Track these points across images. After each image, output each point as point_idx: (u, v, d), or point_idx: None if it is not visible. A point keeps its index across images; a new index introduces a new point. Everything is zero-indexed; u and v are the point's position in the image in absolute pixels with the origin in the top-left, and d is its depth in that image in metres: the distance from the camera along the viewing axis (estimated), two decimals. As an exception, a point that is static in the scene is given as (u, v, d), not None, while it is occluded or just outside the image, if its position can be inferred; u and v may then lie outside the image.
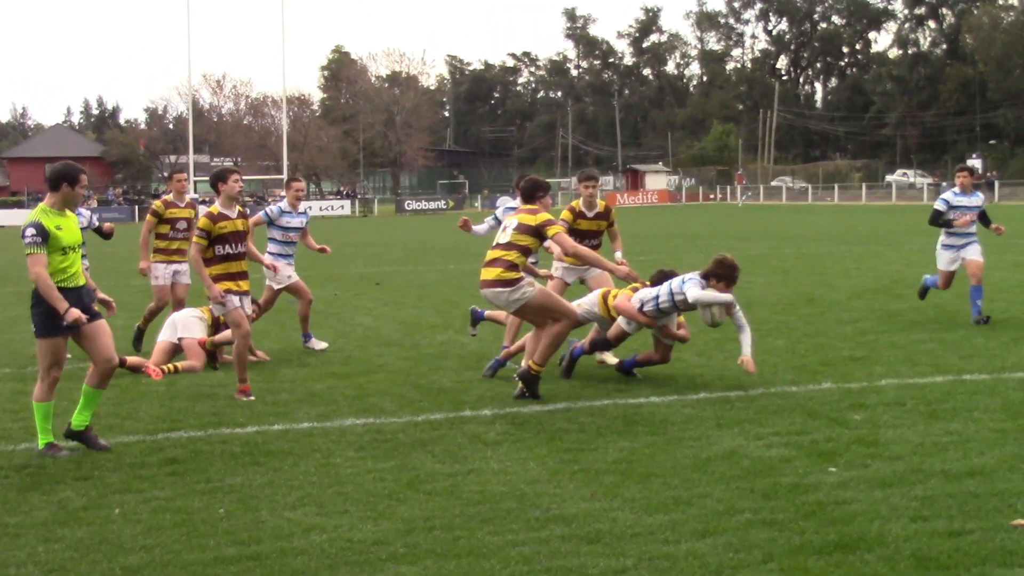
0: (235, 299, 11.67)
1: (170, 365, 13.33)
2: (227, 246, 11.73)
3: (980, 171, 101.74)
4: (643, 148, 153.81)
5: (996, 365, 12.24)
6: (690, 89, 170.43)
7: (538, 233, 11.36)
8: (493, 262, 11.39)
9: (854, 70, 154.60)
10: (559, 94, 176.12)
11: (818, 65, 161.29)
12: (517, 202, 13.53)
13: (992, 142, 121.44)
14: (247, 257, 12.11)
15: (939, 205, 16.32)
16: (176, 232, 15.26)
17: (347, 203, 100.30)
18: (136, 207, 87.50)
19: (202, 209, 13.47)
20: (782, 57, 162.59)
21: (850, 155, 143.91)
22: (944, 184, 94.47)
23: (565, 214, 13.11)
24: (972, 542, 6.39)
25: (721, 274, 11.54)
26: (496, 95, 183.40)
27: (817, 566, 6.12)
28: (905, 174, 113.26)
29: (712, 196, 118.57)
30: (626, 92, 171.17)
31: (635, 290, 12.18)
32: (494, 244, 11.59)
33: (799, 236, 42.71)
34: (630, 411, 10.42)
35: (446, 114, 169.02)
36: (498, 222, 13.67)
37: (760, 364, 12.57)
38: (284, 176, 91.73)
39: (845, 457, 8.46)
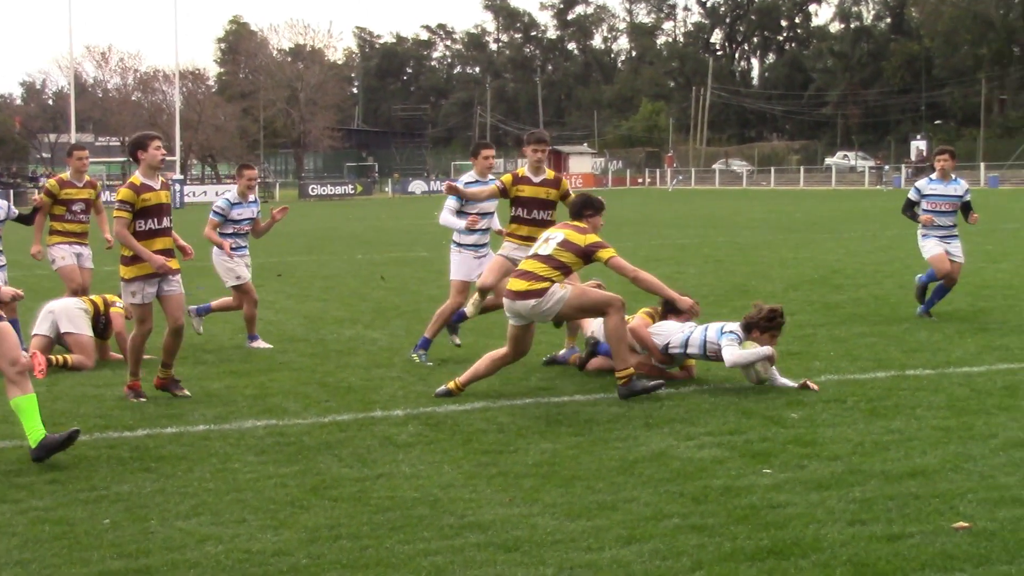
0: (151, 290, 11.32)
1: (59, 357, 13.15)
2: (152, 220, 11.30)
3: (924, 153, 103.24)
4: (567, 128, 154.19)
5: (940, 360, 12.47)
6: (618, 65, 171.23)
7: (586, 255, 11.08)
8: (525, 274, 11.12)
9: (793, 45, 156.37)
10: (477, 70, 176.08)
11: (755, 40, 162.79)
12: (473, 175, 13.68)
13: (938, 122, 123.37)
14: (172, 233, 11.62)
15: (911, 194, 16.17)
16: (73, 214, 15.01)
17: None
18: (11, 191, 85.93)
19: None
20: (716, 31, 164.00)
21: (788, 136, 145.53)
22: (887, 167, 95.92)
23: (505, 177, 12.89)
24: (912, 546, 6.51)
25: (766, 326, 11.38)
26: (409, 71, 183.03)
27: (749, 573, 6.21)
28: (846, 156, 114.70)
29: (640, 180, 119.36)
30: (549, 68, 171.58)
31: (650, 315, 12.20)
32: (531, 254, 11.36)
33: (733, 223, 43.14)
34: (553, 410, 10.49)
35: (354, 91, 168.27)
36: (459, 201, 13.49)
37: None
38: (177, 157, 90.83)
39: (780, 458, 8.58)
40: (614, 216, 49.10)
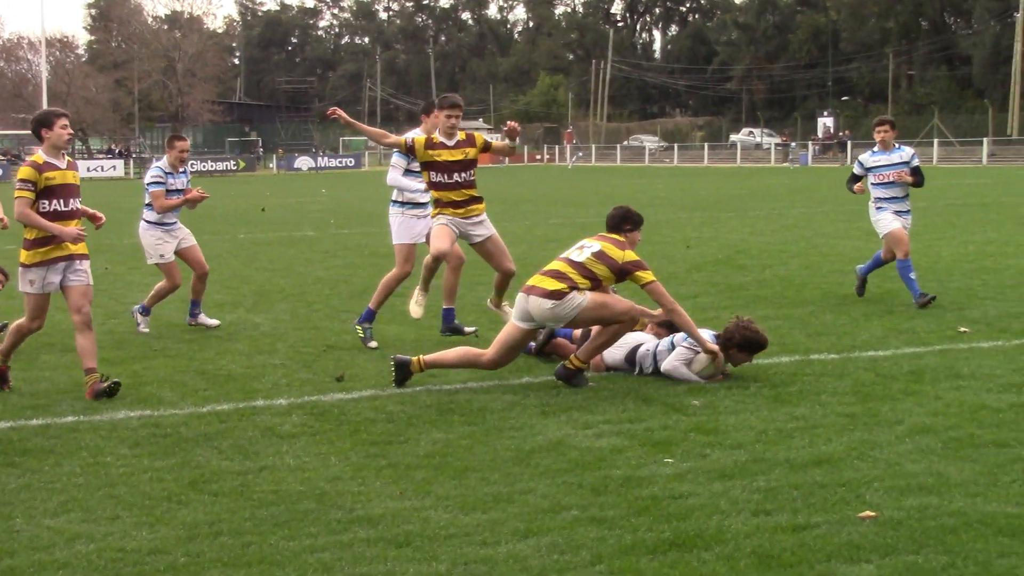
0: (54, 279, 11.00)
1: None
2: (56, 201, 10.98)
3: (831, 130, 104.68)
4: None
5: (846, 344, 12.65)
6: (514, 36, 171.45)
7: (621, 273, 10.94)
8: (552, 273, 11.00)
9: (696, 17, 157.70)
10: (366, 40, 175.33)
11: (657, 11, 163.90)
12: (420, 132, 13.44)
13: (845, 98, 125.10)
14: (80, 215, 11.27)
15: (855, 168, 16.19)
16: None
17: (119, 163, 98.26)
18: None
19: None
20: (617, 2, 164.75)
21: (692, 112, 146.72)
22: (793, 144, 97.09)
23: (418, 139, 12.66)
24: (817, 537, 6.61)
25: (744, 346, 11.16)
26: (294, 41, 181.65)
27: (650, 567, 6.26)
28: (751, 133, 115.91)
29: (539, 156, 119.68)
30: (442, 39, 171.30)
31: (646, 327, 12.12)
32: (563, 256, 11.21)
33: (634, 201, 43.28)
34: (444, 399, 10.48)
35: (236, 62, 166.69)
36: (406, 159, 13.44)
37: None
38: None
39: (682, 447, 8.65)
40: (511, 195, 49.30)
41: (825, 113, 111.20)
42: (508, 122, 12.90)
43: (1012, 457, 8.11)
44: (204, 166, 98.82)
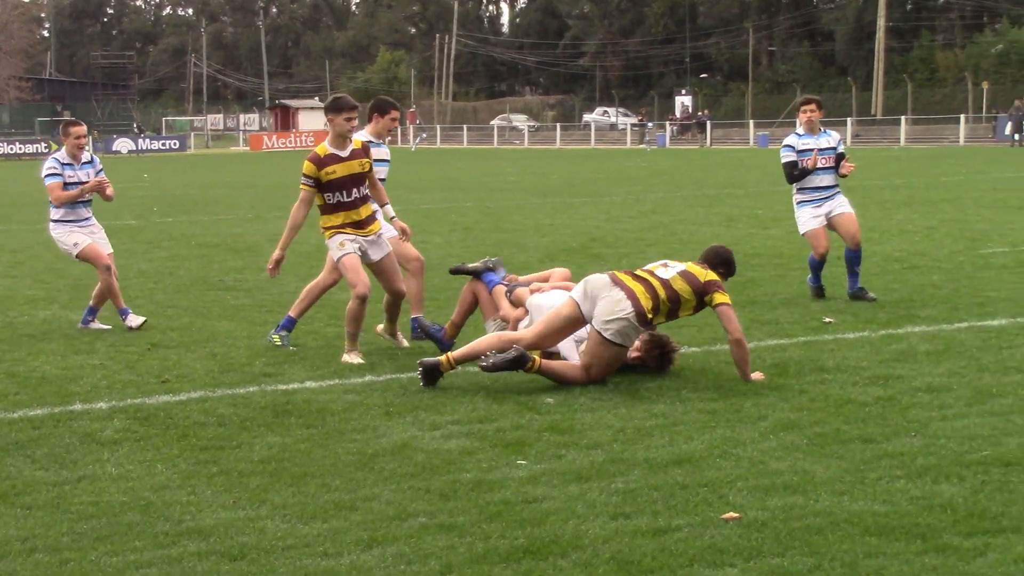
0: None
1: None
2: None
3: (689, 109, 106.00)
4: (295, 80, 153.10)
5: (706, 336, 12.82)
6: (352, 8, 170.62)
7: (701, 293, 10.82)
8: (641, 281, 10.83)
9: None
10: (190, 12, 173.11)
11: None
12: (367, 135, 13.19)
13: (704, 76, 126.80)
14: None
15: (786, 154, 15.47)
16: None
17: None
18: None
19: None
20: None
21: (542, 90, 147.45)
22: (650, 125, 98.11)
23: (307, 166, 12.07)
24: (679, 540, 6.70)
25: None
26: (110, 11, 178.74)
27: (504, 575, 6.32)
28: (606, 112, 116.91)
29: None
30: (273, 11, 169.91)
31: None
32: (646, 268, 11.07)
33: (483, 186, 43.53)
34: (280, 399, 10.43)
35: (45, 34, 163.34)
36: None
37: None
38: None
39: (536, 447, 8.71)
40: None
41: (683, 91, 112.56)
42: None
43: (879, 453, 8.31)
44: (12, 148, 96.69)
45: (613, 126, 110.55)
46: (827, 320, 13.66)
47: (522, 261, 19.83)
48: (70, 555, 6.74)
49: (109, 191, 14.42)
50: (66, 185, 14.34)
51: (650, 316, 10.75)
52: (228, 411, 10.05)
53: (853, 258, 15.06)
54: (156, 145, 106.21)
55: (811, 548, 6.53)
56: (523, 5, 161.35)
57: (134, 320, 14.36)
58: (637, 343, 11.06)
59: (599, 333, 10.64)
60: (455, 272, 13.37)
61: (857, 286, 15.05)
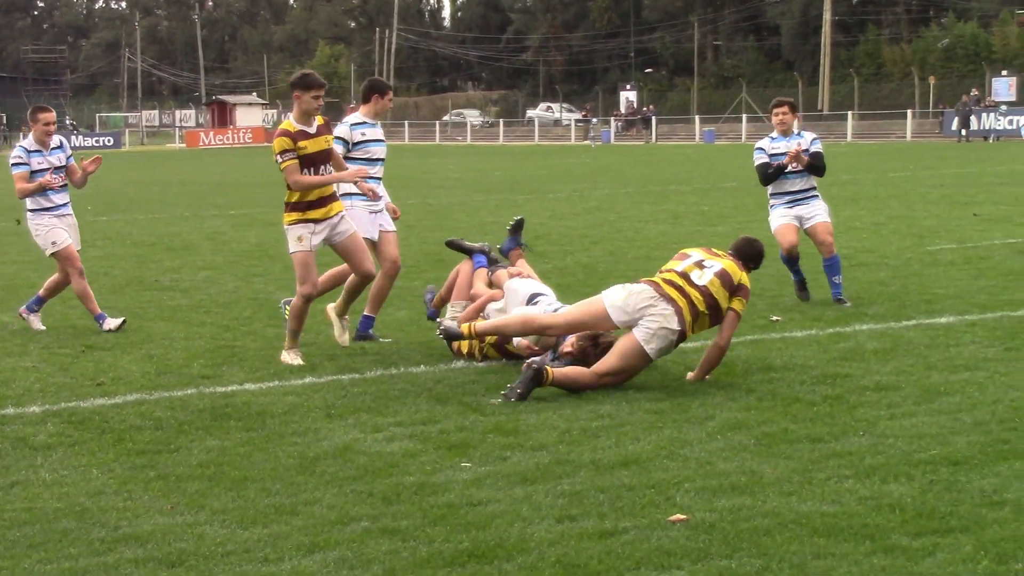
0: None
1: None
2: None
3: (635, 105, 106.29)
4: (232, 75, 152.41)
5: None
6: (290, 2, 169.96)
7: (733, 291, 10.74)
8: (681, 292, 10.64)
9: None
10: (123, 5, 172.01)
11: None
12: (360, 116, 13.22)
13: (649, 71, 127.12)
14: None
15: (757, 156, 15.08)
16: None
17: None
18: None
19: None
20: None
21: (485, 85, 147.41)
22: (595, 120, 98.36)
23: (282, 142, 11.77)
24: (626, 543, 6.73)
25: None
26: (40, 5, 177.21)
27: (448, 580, 6.32)
28: (549, 108, 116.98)
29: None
30: (209, 4, 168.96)
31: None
32: (679, 271, 10.85)
33: (425, 183, 43.47)
34: (219, 402, 10.39)
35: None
36: (344, 146, 12.98)
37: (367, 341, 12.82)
38: None
39: (480, 449, 8.72)
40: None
41: (628, 86, 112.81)
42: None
43: (827, 453, 8.37)
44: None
45: (557, 122, 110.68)
46: (774, 318, 13.74)
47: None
48: (2, 563, 6.69)
49: (77, 176, 14.44)
50: (35, 173, 14.16)
51: (691, 333, 10.75)
52: (165, 414, 10.00)
53: (829, 267, 14.79)
54: (90, 142, 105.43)
55: (759, 549, 6.57)
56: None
57: (112, 323, 14.14)
58: (572, 338, 11.07)
59: (642, 346, 10.50)
60: (450, 244, 13.70)
61: (838, 294, 14.69)
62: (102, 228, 27.20)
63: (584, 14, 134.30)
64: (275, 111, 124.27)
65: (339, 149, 12.79)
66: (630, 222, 26.08)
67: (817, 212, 14.90)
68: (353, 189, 12.76)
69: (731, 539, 6.74)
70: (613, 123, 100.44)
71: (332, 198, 12.08)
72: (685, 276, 10.78)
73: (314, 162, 11.90)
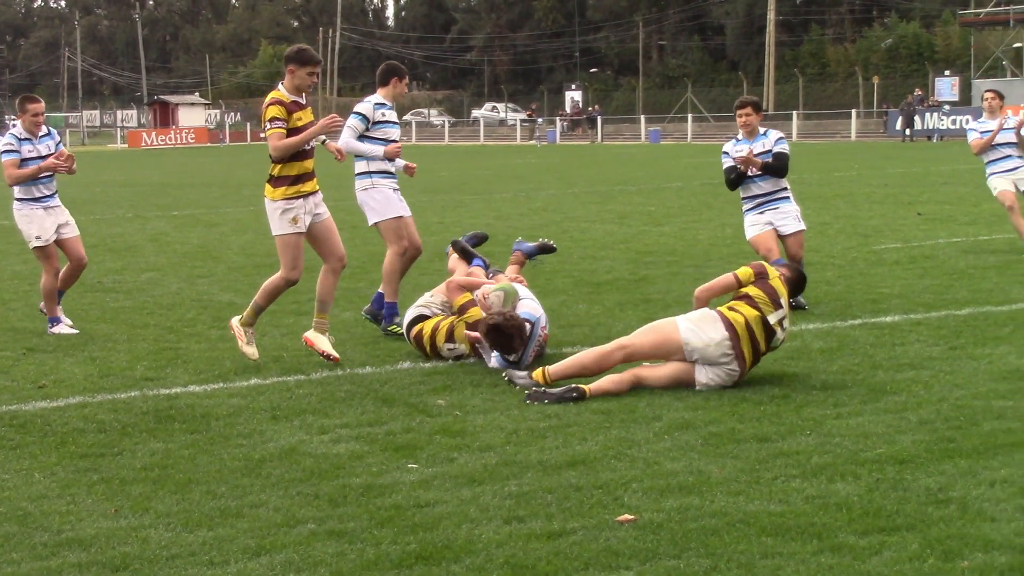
0: None
1: None
2: None
3: (579, 105, 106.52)
4: (174, 75, 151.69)
5: (600, 335, 12.88)
6: (232, 1, 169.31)
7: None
8: (753, 340, 10.45)
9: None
10: (62, 4, 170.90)
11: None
12: (380, 98, 13.51)
13: (594, 70, 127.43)
14: None
15: (724, 160, 14.84)
16: None
17: None
18: None
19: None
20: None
21: (430, 85, 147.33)
22: (540, 120, 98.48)
23: (277, 109, 11.43)
24: (574, 543, 6.74)
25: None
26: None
27: (395, 582, 6.32)
28: (495, 108, 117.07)
29: (262, 135, 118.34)
30: (150, 3, 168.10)
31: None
32: (771, 321, 10.57)
33: (370, 184, 43.33)
34: (163, 404, 10.34)
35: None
36: (363, 122, 13.38)
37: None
38: None
39: (427, 451, 8.72)
40: (232, 178, 48.69)
41: (573, 86, 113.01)
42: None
43: (774, 452, 8.41)
44: None
45: (502, 122, 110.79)
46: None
47: (411, 260, 19.79)
48: (-56, 568, 6.64)
49: (74, 166, 14.20)
50: (24, 161, 14.03)
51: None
52: (108, 417, 9.94)
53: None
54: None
55: (707, 549, 6.60)
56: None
57: (63, 328, 14.01)
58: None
59: (693, 377, 10.38)
60: (455, 246, 13.75)
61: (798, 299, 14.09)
62: (43, 229, 26.97)
63: (529, 14, 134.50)
64: (218, 111, 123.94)
65: (359, 126, 13.25)
66: (576, 222, 26.12)
67: (788, 220, 14.59)
68: (373, 168, 13.27)
69: (679, 539, 6.76)
70: (558, 123, 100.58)
71: (314, 175, 11.83)
72: (768, 331, 10.52)
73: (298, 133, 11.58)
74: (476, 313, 11.77)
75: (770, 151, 14.56)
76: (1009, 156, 18.69)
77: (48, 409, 10.26)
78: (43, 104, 14.57)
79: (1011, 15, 77.54)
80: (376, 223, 13.57)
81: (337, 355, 11.71)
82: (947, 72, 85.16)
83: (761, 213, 14.67)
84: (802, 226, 14.72)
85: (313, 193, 11.71)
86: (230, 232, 25.88)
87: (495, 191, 37.11)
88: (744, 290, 10.67)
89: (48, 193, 14.29)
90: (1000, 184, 18.69)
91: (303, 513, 7.40)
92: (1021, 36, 79.17)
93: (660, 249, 20.59)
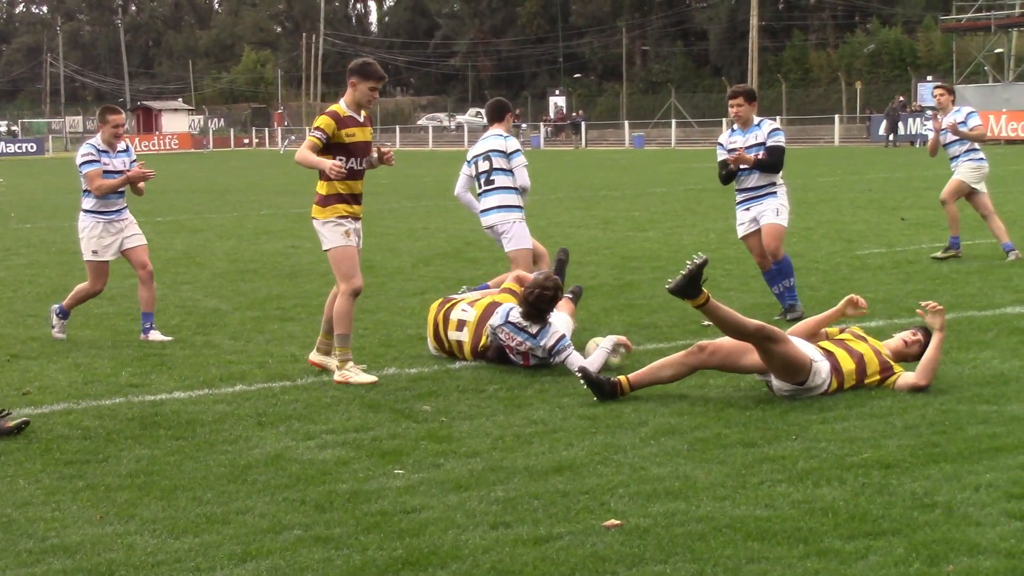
0: None
1: None
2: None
3: (563, 110, 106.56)
4: (157, 81, 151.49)
5: (584, 340, 12.86)
6: (215, 7, 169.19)
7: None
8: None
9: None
10: (44, 10, 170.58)
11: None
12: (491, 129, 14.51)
13: (577, 76, 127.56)
14: None
15: (719, 153, 14.51)
16: None
17: None
18: None
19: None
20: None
21: (414, 91, 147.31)
22: (524, 126, 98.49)
23: (326, 121, 11.23)
24: (560, 549, 6.74)
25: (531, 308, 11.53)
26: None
27: (382, 588, 6.31)
28: (478, 113, 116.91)
29: (247, 140, 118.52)
30: (133, 9, 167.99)
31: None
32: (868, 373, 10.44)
33: (354, 190, 43.32)
34: (148, 411, 10.32)
35: None
36: (469, 165, 14.39)
37: (310, 347, 12.79)
38: None
39: (413, 456, 8.71)
40: (217, 183, 48.68)
41: (557, 92, 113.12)
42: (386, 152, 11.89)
43: (760, 457, 8.42)
44: None
45: (486, 127, 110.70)
46: (705, 324, 13.77)
47: (395, 266, 19.82)
48: (-71, 576, 6.63)
49: (142, 184, 14.00)
50: (104, 173, 13.80)
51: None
52: (93, 423, 9.92)
53: (768, 278, 14.36)
54: (12, 148, 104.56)
55: (693, 554, 6.60)
56: (391, 4, 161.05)
57: (59, 329, 13.92)
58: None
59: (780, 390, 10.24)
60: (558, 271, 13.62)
61: (786, 302, 14.16)
62: (26, 236, 26.94)
63: (512, 19, 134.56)
64: (201, 117, 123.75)
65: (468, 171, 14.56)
66: (560, 228, 26.15)
67: (767, 212, 14.13)
68: (520, 201, 14.15)
69: (665, 544, 6.76)
70: (542, 128, 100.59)
71: (361, 198, 11.60)
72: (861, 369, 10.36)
73: (359, 152, 11.40)
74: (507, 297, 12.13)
75: (763, 143, 14.09)
76: (955, 157, 18.93)
77: (33, 416, 10.21)
78: (123, 116, 14.29)
79: (992, 20, 77.63)
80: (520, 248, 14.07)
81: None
82: (929, 77, 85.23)
83: (747, 209, 14.34)
84: (778, 219, 14.11)
85: (358, 217, 11.50)
86: (214, 238, 25.87)
87: (479, 196, 37.08)
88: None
89: (119, 207, 14.00)
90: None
91: (289, 519, 7.39)
92: (1002, 41, 79.34)
93: (644, 254, 20.61)
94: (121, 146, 14.04)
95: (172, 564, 6.70)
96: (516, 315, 11.61)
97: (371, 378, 11.20)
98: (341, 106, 11.43)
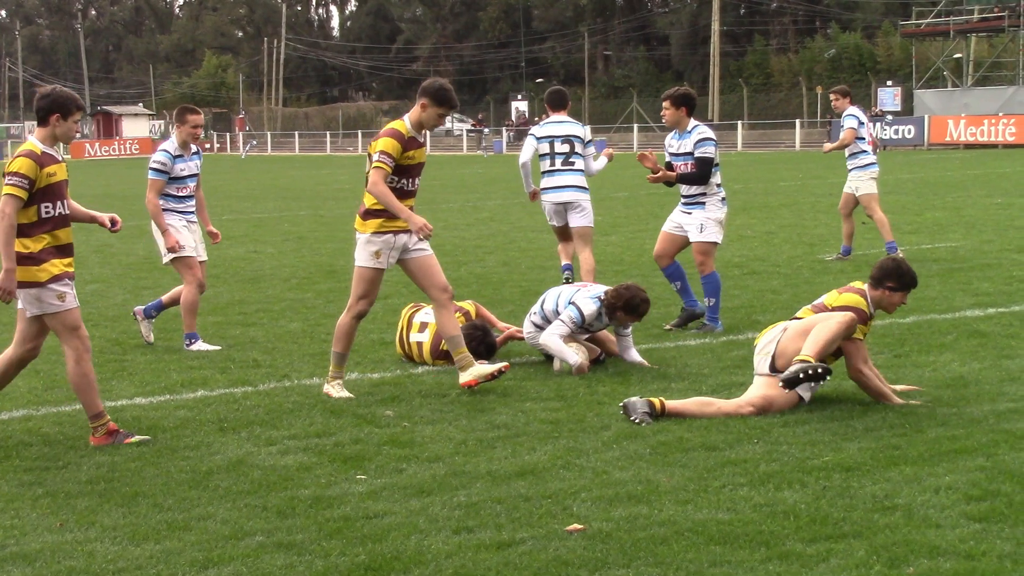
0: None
1: None
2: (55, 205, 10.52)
3: (525, 115, 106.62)
4: (118, 85, 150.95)
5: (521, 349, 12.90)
6: (176, 11, 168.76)
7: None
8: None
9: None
10: (3, 14, 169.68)
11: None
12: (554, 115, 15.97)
13: (540, 80, 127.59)
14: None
15: (665, 155, 14.07)
16: None
17: None
18: None
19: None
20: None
21: (375, 95, 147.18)
22: (487, 130, 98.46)
23: (392, 144, 10.73)
24: (523, 553, 6.75)
25: (626, 314, 11.66)
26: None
27: (344, 594, 6.30)
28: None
29: (208, 145, 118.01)
30: (93, 13, 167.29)
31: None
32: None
33: (316, 194, 43.33)
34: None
35: None
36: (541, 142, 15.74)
37: (272, 352, 12.78)
38: None
39: (376, 462, 8.70)
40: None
41: (519, 96, 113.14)
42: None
43: (721, 461, 8.44)
44: None
45: (449, 132, 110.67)
46: (668, 327, 13.83)
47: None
48: None
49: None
50: (176, 180, 13.38)
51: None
52: (53, 430, 9.88)
53: (667, 275, 14.32)
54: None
55: (656, 558, 6.62)
56: (353, 8, 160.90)
57: (202, 346, 13.44)
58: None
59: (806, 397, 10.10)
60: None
61: (707, 316, 13.88)
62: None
63: (474, 24, 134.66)
64: (162, 122, 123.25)
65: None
66: (523, 232, 26.14)
67: (692, 230, 13.74)
68: (588, 184, 16.12)
69: (628, 548, 6.78)
70: (505, 133, 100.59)
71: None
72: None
73: (414, 173, 11.04)
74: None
75: (690, 153, 13.56)
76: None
77: (-8, 422, 10.19)
78: (203, 116, 13.94)
79: (951, 26, 78.02)
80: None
81: (501, 366, 10.98)
82: (889, 82, 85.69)
83: (675, 212, 14.07)
84: (702, 236, 13.66)
85: (406, 232, 11.05)
86: (175, 243, 25.73)
87: (442, 201, 37.07)
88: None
89: (192, 208, 13.65)
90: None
91: (251, 525, 7.37)
92: (961, 47, 79.77)
93: (607, 259, 20.61)
94: (194, 149, 13.68)
95: (133, 571, 6.67)
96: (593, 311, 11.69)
97: (344, 393, 10.93)
98: (406, 125, 10.93)
